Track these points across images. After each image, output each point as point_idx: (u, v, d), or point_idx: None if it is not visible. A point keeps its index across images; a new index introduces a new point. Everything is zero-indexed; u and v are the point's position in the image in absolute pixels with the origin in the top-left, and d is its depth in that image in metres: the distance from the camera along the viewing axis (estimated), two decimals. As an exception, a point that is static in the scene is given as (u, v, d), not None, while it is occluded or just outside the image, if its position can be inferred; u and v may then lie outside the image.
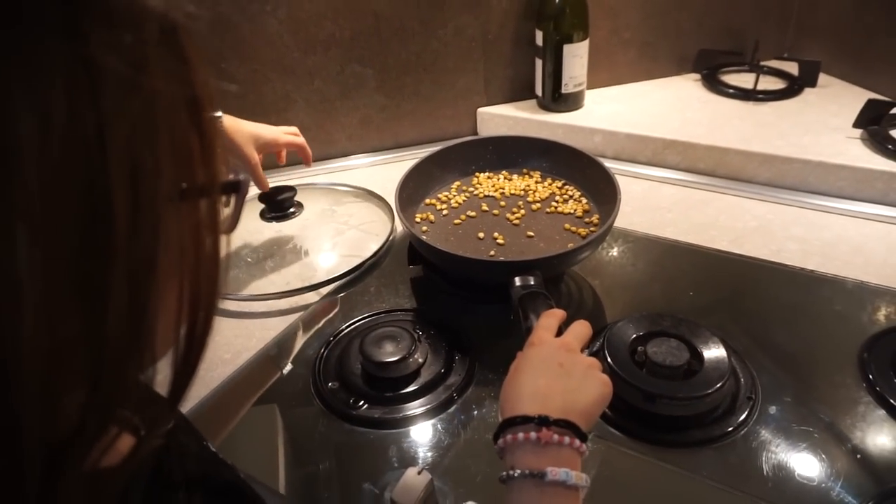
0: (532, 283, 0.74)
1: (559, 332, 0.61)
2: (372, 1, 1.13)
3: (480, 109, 1.30)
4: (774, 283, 0.90)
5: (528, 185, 1.02)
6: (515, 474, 0.47)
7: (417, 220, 0.97)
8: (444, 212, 0.99)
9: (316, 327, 0.87)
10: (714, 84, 1.33)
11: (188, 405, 0.69)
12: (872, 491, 0.61)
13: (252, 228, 1.04)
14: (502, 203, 1.00)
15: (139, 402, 0.32)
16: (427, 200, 1.01)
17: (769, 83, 1.32)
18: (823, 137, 1.11)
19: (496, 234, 0.93)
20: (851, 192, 1.05)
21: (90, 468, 0.29)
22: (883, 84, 1.24)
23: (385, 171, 1.21)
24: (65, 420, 0.27)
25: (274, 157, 1.01)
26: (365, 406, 0.73)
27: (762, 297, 0.87)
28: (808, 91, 1.29)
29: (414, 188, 0.99)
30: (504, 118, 1.29)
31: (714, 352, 0.72)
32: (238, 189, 0.36)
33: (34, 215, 0.25)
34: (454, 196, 1.02)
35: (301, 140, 1.00)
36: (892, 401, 0.69)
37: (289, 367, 0.81)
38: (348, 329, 0.84)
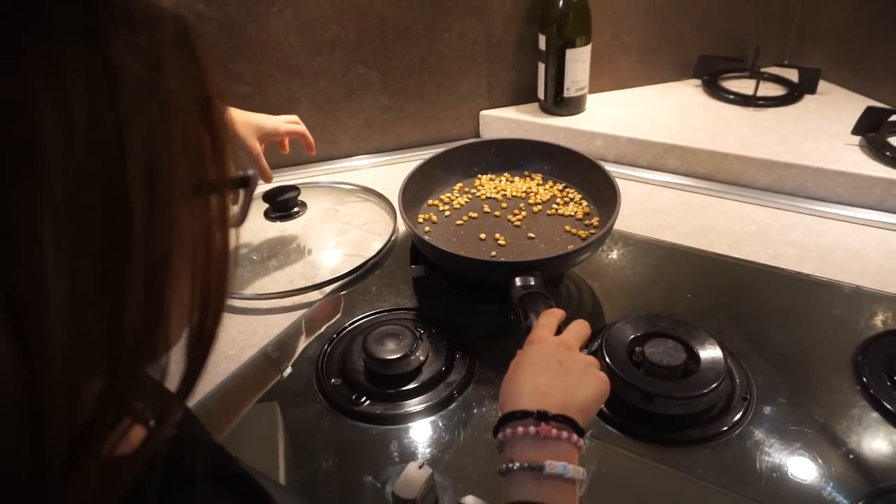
0: (532, 283, 0.75)
1: (559, 331, 0.62)
2: (377, 4, 1.15)
3: (483, 112, 1.31)
4: (772, 286, 0.91)
5: (530, 188, 1.04)
6: (515, 467, 0.48)
7: (420, 220, 0.99)
8: (447, 213, 1.00)
9: (319, 325, 0.88)
10: (715, 90, 1.34)
11: (193, 400, 0.70)
12: (863, 490, 0.62)
13: (256, 228, 1.05)
14: (504, 205, 1.01)
15: (149, 394, 0.33)
16: (430, 201, 1.02)
17: (769, 89, 1.33)
18: (822, 144, 1.12)
19: (497, 235, 0.94)
20: (849, 198, 1.06)
21: (105, 456, 0.30)
22: (882, 91, 1.25)
23: (388, 172, 1.22)
24: (84, 407, 0.29)
25: (279, 156, 1.03)
26: (367, 402, 0.74)
27: (759, 301, 0.88)
28: (807, 98, 1.30)
29: (417, 189, 1.00)
30: (506, 121, 1.30)
31: (710, 353, 0.73)
32: (247, 184, 0.37)
33: (59, 213, 0.26)
34: (457, 197, 1.03)
35: (302, 128, 1.00)
36: (884, 403, 0.71)
37: (292, 363, 0.82)
38: (351, 327, 0.86)
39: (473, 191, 1.04)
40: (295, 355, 0.83)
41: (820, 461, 0.66)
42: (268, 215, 1.06)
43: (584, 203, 1.00)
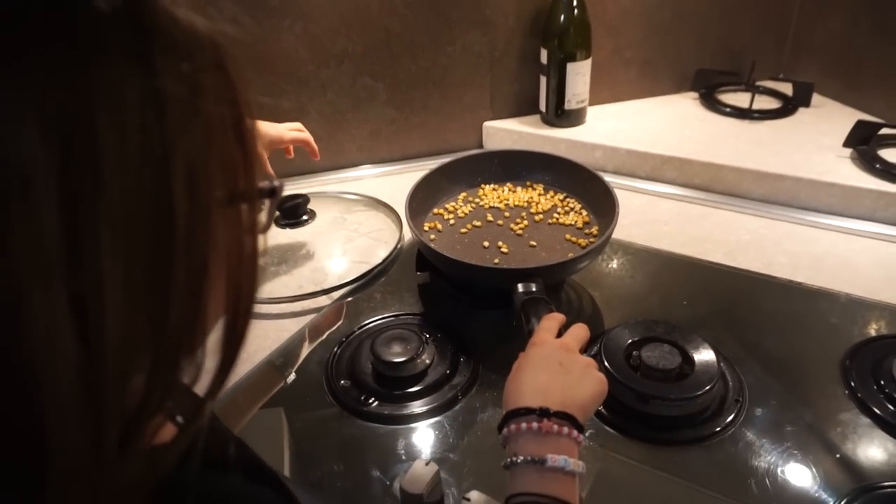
0: (534, 289, 0.78)
1: (559, 335, 0.65)
2: (384, 17, 1.18)
3: (486, 123, 1.35)
4: (765, 294, 0.94)
5: (532, 198, 1.07)
6: (518, 461, 0.52)
7: (426, 228, 1.02)
8: (451, 221, 1.03)
9: (328, 330, 0.91)
10: (711, 103, 1.38)
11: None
12: (849, 488, 0.66)
13: (267, 234, 1.08)
14: (506, 214, 1.04)
15: (178, 394, 0.36)
16: (435, 210, 1.06)
17: (764, 103, 1.37)
18: (815, 156, 1.16)
19: (500, 243, 0.98)
20: (841, 209, 1.09)
21: (147, 445, 0.33)
22: (873, 105, 1.29)
23: (393, 182, 1.25)
24: (131, 396, 0.32)
25: (287, 165, 1.05)
26: (375, 403, 0.77)
27: (753, 308, 0.91)
28: (801, 111, 1.34)
29: (423, 198, 1.03)
30: (509, 132, 1.33)
31: (704, 356, 0.76)
32: (274, 194, 0.41)
33: (116, 223, 0.29)
34: (461, 206, 1.06)
35: (306, 135, 1.03)
36: (871, 406, 0.74)
37: (302, 366, 0.85)
38: (359, 331, 0.89)
39: (477, 200, 1.08)
40: (304, 358, 0.86)
41: (808, 460, 0.69)
42: (278, 222, 1.09)
43: (584, 213, 1.03)
